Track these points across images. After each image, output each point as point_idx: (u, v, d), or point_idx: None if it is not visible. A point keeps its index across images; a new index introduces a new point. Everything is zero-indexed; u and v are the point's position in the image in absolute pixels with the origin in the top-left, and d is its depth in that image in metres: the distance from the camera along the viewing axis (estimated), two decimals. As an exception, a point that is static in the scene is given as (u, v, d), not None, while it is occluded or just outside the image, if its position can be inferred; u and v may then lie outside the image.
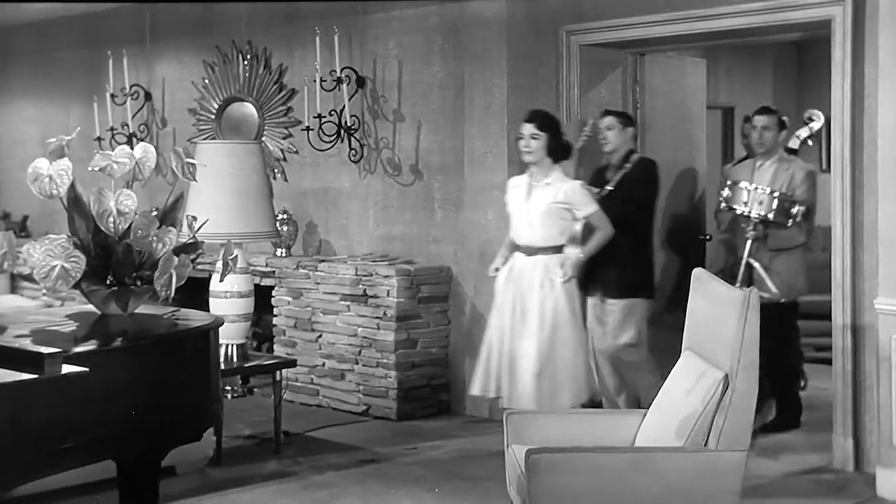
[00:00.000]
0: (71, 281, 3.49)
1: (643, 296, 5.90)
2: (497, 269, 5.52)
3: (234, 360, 5.72)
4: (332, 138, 6.99)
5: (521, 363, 5.36)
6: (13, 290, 8.62)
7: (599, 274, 5.79)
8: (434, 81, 6.74)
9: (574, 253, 5.49)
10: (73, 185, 3.59)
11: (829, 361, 5.74)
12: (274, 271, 7.11)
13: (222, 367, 4.94)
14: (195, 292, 4.50)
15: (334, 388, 6.83)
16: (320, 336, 6.90)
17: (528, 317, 5.38)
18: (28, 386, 2.77)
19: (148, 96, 8.34)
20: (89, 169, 3.64)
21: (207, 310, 4.59)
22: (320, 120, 6.97)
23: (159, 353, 3.48)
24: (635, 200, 5.85)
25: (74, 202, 3.60)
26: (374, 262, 6.78)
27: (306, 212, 7.42)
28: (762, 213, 5.70)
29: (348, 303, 6.74)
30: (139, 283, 3.60)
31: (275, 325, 7.13)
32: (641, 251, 5.91)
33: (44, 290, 3.76)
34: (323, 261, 6.98)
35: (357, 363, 6.68)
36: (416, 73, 6.81)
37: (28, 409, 2.81)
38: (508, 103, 6.39)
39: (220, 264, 4.01)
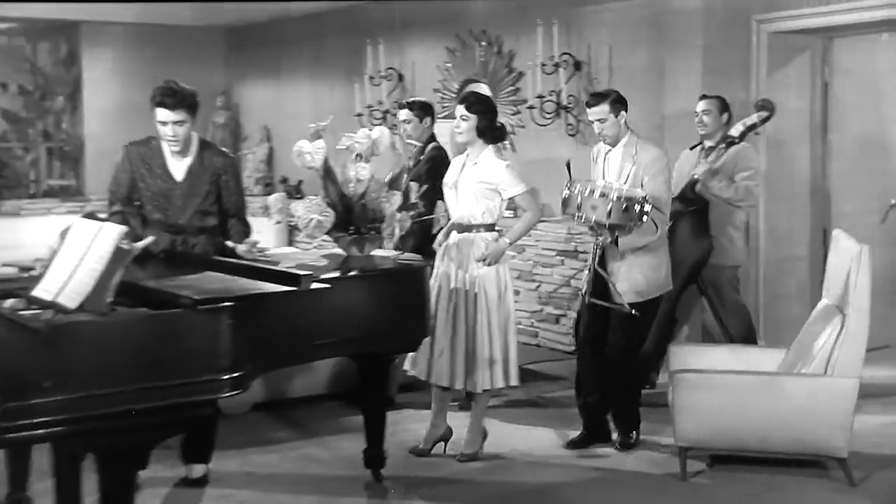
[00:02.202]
0: (323, 230, 4.77)
1: None
2: (439, 244, 5.46)
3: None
4: (551, 115, 8.06)
5: (436, 339, 5.28)
6: (290, 242, 10.16)
7: None
8: (639, 65, 7.64)
9: (493, 236, 5.37)
10: (326, 160, 4.83)
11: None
12: (501, 230, 8.26)
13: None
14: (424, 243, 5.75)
15: (550, 330, 7.98)
16: (539, 286, 8.04)
17: (452, 294, 5.31)
18: (290, 295, 4.06)
19: (400, 78, 9.55)
20: (337, 148, 4.90)
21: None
22: (541, 99, 8.06)
23: (385, 282, 4.70)
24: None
25: (327, 172, 4.84)
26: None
27: (531, 178, 8.45)
28: (600, 219, 5.20)
29: (562, 257, 7.84)
30: (372, 232, 4.84)
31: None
32: None
33: (305, 237, 5.00)
34: (542, 221, 8.06)
35: (570, 309, 7.76)
36: (624, 58, 7.74)
37: (290, 312, 4.08)
38: (703, 85, 7.22)
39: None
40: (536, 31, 8.01)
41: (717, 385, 5.06)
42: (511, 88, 8.56)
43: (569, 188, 5.30)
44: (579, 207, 5.23)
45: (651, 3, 7.54)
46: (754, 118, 6.32)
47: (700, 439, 5.08)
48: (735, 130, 6.30)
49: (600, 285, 5.39)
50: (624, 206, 5.12)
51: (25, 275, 6.04)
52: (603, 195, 5.15)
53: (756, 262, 7.26)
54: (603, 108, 5.42)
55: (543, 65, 7.97)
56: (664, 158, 5.49)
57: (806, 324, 5.34)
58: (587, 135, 7.95)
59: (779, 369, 5.27)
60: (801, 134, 7.36)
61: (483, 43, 8.74)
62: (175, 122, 4.73)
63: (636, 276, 5.42)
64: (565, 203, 5.35)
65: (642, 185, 5.31)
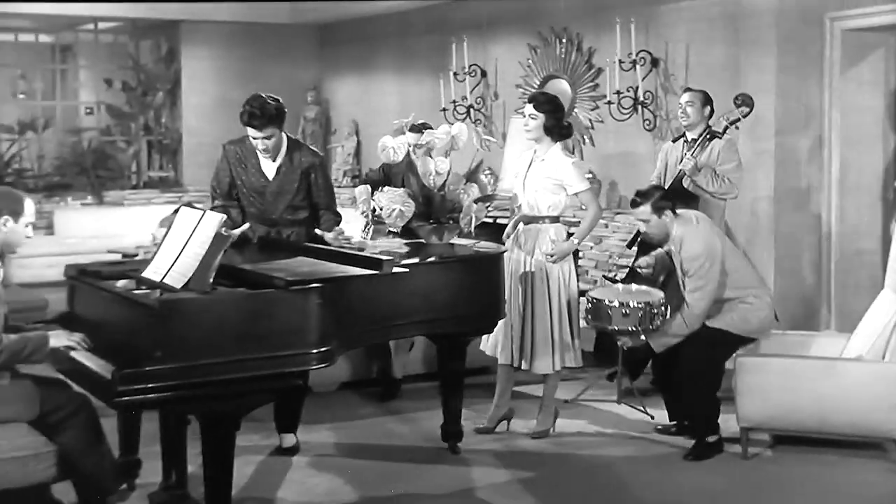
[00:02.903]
0: (404, 219, 5.14)
1: None
2: (508, 236, 5.72)
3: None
4: (628, 110, 8.32)
5: (505, 322, 5.55)
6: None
7: None
8: (715, 62, 7.82)
9: (557, 229, 5.63)
10: (408, 154, 5.20)
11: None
12: (580, 221, 8.54)
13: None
14: (495, 233, 6.07)
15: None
16: (616, 275, 8.29)
17: (521, 280, 5.61)
18: (373, 279, 4.43)
19: (483, 74, 9.84)
20: (419, 142, 5.25)
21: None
22: (619, 95, 8.32)
23: (462, 268, 5.05)
24: None
25: (409, 165, 5.21)
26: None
27: (609, 172, 8.75)
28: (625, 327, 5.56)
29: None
30: (450, 222, 5.19)
31: (580, 266, 8.58)
32: None
33: (388, 226, 5.37)
34: (619, 213, 8.34)
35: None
36: (700, 55, 7.93)
37: (373, 294, 4.45)
38: (777, 81, 7.41)
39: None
40: (615, 29, 8.26)
41: (777, 369, 5.31)
42: (590, 84, 8.81)
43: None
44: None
45: (727, 1, 7.73)
46: (736, 113, 6.48)
47: (761, 420, 5.34)
48: (718, 125, 6.49)
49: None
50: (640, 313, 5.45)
51: (128, 260, 6.48)
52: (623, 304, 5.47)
53: (828, 253, 7.45)
54: (645, 210, 5.51)
55: (621, 61, 8.22)
56: (702, 257, 5.43)
57: (867, 312, 5.55)
58: (664, 130, 8.20)
59: (840, 355, 5.49)
60: (874, 131, 7.49)
61: (564, 40, 9.00)
62: (264, 138, 5.11)
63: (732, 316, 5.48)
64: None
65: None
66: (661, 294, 5.58)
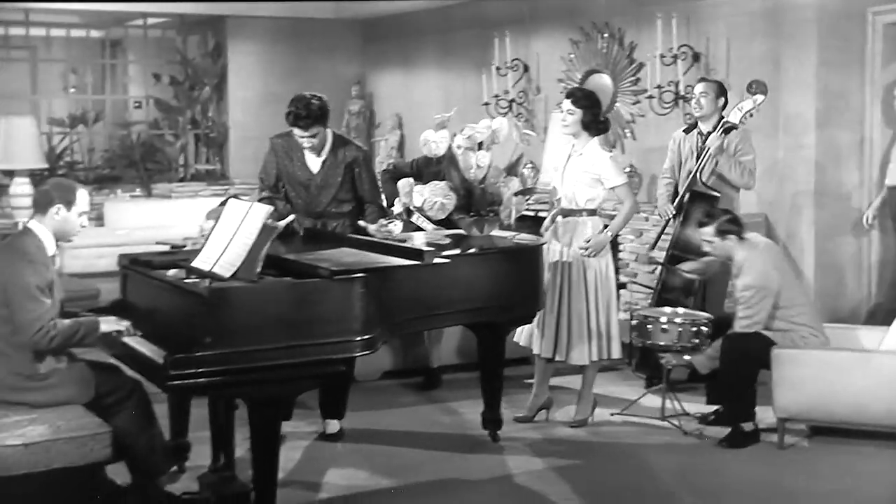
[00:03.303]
0: (446, 211, 5.25)
1: None
2: (546, 228, 5.83)
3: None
4: (669, 105, 8.37)
5: (542, 314, 5.66)
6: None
7: None
8: (755, 56, 7.83)
9: (594, 222, 5.74)
10: (449, 148, 5.31)
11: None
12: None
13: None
14: (536, 226, 6.17)
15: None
16: (656, 268, 8.34)
17: (559, 272, 5.71)
18: (414, 269, 4.56)
19: (525, 68, 9.88)
20: (460, 137, 5.37)
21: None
22: (660, 89, 8.37)
23: (501, 259, 5.15)
24: None
25: (450, 159, 5.32)
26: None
27: (650, 166, 8.78)
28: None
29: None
30: (491, 214, 5.30)
31: (620, 259, 8.65)
32: None
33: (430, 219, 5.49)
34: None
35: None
36: (741, 50, 7.95)
37: (414, 284, 4.57)
38: (818, 75, 7.43)
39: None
40: (656, 24, 8.31)
41: (814, 361, 5.37)
42: (632, 79, 8.86)
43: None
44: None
45: (768, -4, 7.79)
46: (750, 103, 6.45)
47: (798, 411, 5.41)
48: (734, 116, 6.47)
49: None
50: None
51: (177, 251, 6.64)
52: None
53: (868, 247, 7.47)
54: (709, 231, 5.68)
55: (662, 56, 8.27)
56: (756, 288, 5.56)
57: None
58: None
59: (878, 348, 5.55)
60: (917, 124, 7.52)
61: (605, 35, 9.05)
62: (310, 137, 5.26)
63: None
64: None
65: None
66: (708, 316, 5.72)
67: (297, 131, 5.23)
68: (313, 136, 5.23)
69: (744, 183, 6.59)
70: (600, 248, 5.70)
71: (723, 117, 6.57)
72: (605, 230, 5.74)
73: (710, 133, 6.56)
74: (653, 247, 7.09)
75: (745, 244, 5.63)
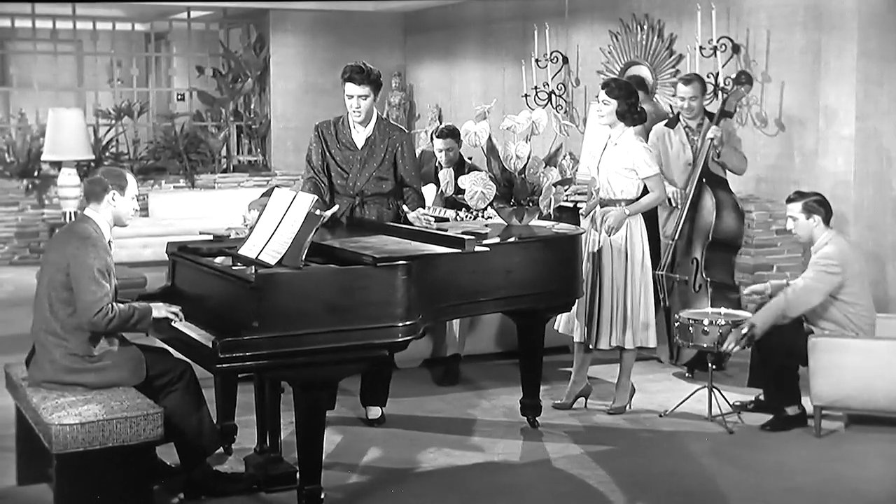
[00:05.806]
0: (486, 201, 5.33)
1: None
2: (584, 216, 5.92)
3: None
4: (709, 96, 8.38)
5: (583, 301, 5.77)
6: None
7: None
8: (796, 47, 7.86)
9: (618, 207, 5.76)
10: (490, 138, 5.38)
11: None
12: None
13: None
14: (575, 216, 6.24)
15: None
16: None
17: (598, 260, 5.79)
18: (455, 257, 4.66)
19: (565, 60, 9.99)
20: (500, 128, 5.45)
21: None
22: (699, 81, 8.40)
23: (541, 247, 5.23)
24: None
25: (490, 150, 5.40)
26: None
27: (688, 156, 8.85)
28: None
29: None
30: (530, 204, 5.38)
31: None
32: None
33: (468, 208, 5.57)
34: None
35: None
36: (781, 41, 7.97)
37: (455, 271, 4.67)
38: (858, 65, 7.44)
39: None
40: (696, 16, 8.34)
41: (850, 349, 5.41)
42: (671, 70, 8.90)
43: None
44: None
45: (808, -13, 7.79)
46: (741, 91, 6.73)
47: (835, 399, 5.45)
48: (729, 105, 6.78)
49: None
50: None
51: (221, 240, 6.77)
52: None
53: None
54: (796, 206, 5.70)
55: (702, 48, 8.29)
56: (833, 258, 5.59)
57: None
58: (743, 115, 8.27)
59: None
60: (956, 114, 7.51)
61: (645, 27, 9.09)
62: (360, 96, 5.38)
63: None
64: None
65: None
66: (748, 315, 5.72)
67: (349, 87, 5.37)
68: (363, 98, 5.36)
69: (743, 168, 6.86)
70: (617, 223, 5.74)
71: (704, 109, 6.83)
72: (623, 207, 5.77)
73: (699, 126, 6.77)
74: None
75: (829, 231, 5.64)
